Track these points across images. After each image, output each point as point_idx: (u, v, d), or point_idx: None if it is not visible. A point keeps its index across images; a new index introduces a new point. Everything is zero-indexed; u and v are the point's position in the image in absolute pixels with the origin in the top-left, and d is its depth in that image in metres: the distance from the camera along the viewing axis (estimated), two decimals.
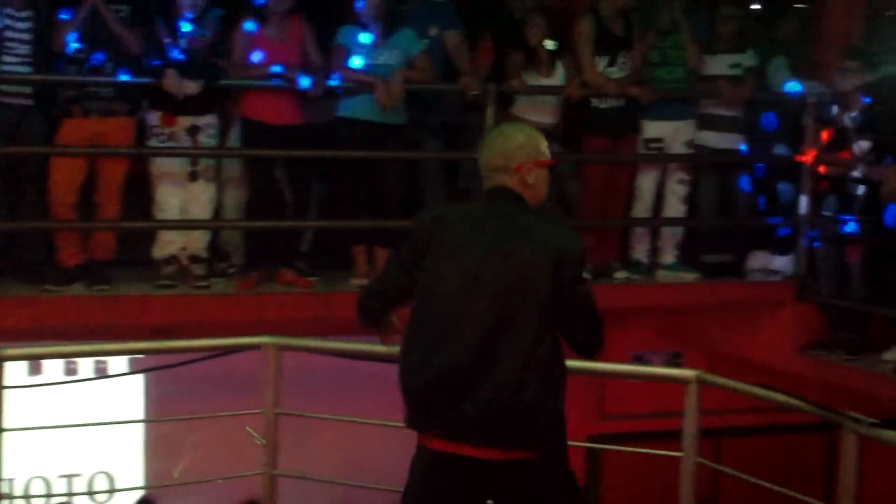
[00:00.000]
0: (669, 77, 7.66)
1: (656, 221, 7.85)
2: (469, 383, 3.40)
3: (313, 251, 7.33)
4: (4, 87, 6.53)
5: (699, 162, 7.83)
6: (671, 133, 7.69)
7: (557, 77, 7.45)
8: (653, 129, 7.66)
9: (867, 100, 7.22)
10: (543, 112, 7.43)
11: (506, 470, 3.46)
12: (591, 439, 6.78)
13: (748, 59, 7.78)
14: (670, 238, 7.83)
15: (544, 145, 3.68)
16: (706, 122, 7.76)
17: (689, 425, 4.58)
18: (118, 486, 7.58)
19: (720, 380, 4.59)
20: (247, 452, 5.08)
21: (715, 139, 7.77)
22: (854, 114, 7.22)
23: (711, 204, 7.86)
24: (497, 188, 3.60)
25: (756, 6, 9.04)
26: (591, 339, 3.54)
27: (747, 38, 7.88)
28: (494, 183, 3.61)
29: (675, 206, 7.80)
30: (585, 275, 3.56)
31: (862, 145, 7.14)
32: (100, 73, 6.55)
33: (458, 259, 3.49)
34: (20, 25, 6.47)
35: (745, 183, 7.92)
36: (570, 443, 3.64)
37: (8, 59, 6.47)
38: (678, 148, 7.73)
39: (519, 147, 3.61)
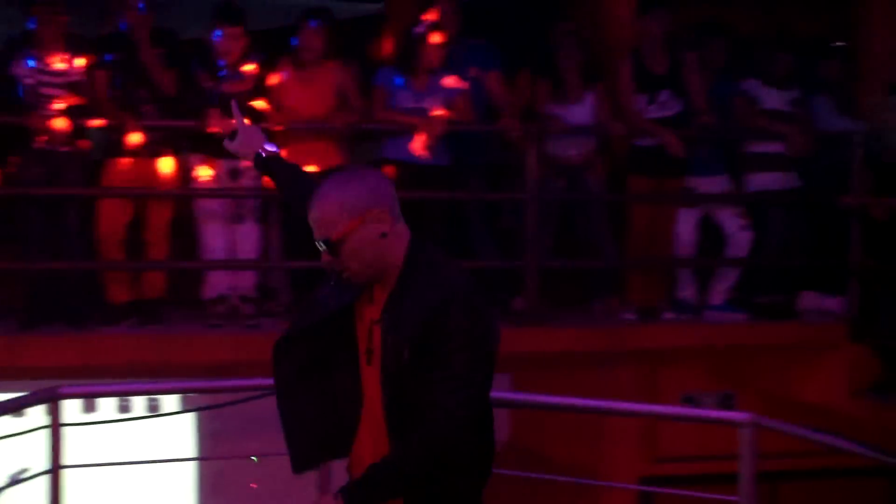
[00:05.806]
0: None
1: (702, 262, 7.79)
2: None
3: None
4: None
5: (749, 202, 7.77)
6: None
7: (587, 105, 7.42)
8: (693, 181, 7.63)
9: None
10: (571, 144, 7.42)
11: None
12: (643, 481, 6.68)
13: (796, 93, 7.73)
14: (724, 279, 7.74)
15: None
16: (758, 163, 7.67)
17: (745, 469, 4.51)
18: None
19: (777, 423, 4.53)
20: (300, 492, 5.06)
21: (767, 180, 7.66)
22: None
23: (777, 244, 7.74)
24: None
25: None
26: None
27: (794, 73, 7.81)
28: None
29: (740, 250, 7.71)
30: None
31: None
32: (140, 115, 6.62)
33: None
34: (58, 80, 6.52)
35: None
36: (621, 484, 3.63)
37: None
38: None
39: None
